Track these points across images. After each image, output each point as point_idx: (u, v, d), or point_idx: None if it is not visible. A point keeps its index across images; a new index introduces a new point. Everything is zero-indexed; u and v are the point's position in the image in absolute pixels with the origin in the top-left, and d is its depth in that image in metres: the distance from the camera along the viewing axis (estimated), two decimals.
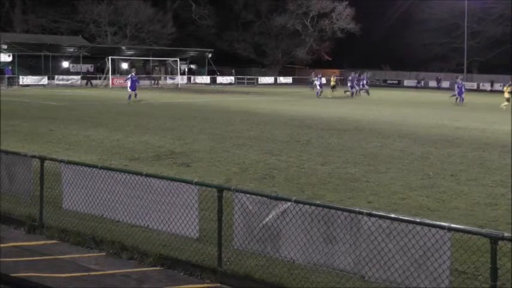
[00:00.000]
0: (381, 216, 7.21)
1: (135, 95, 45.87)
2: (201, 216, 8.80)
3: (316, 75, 70.12)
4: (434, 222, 6.94)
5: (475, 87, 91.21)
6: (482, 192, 14.33)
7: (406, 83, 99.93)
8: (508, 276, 7.25)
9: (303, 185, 14.69)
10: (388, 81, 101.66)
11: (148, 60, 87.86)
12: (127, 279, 8.29)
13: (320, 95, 59.74)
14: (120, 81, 75.02)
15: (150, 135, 24.24)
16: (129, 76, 48.09)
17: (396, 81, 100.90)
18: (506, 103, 42.86)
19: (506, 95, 38.83)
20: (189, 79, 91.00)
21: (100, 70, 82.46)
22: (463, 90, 51.71)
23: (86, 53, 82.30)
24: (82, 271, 8.49)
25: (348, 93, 61.38)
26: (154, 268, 8.68)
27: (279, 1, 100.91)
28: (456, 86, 52.58)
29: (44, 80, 74.39)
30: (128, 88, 46.96)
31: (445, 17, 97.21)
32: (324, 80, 71.00)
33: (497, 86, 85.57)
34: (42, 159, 10.68)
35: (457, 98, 51.59)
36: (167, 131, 26.15)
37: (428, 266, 6.75)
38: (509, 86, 45.59)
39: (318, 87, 61.66)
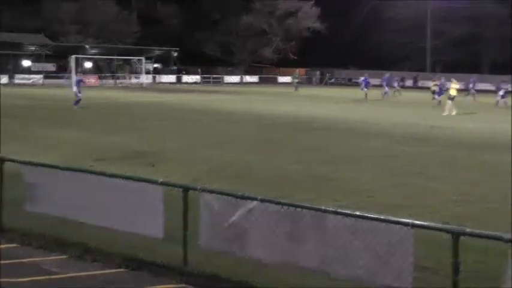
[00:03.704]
0: (346, 214, 7.26)
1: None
2: (167, 216, 8.77)
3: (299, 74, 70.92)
4: (398, 219, 7.01)
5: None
6: (449, 190, 14.48)
7: (371, 82, 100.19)
8: (470, 271, 7.36)
9: (272, 184, 14.70)
10: (353, 80, 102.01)
11: (113, 59, 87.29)
12: (91, 281, 8.21)
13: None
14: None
15: (116, 135, 24.11)
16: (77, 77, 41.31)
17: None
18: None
19: (454, 92, 38.90)
20: (154, 78, 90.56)
21: (63, 69, 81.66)
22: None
23: (49, 51, 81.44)
24: (44, 275, 8.36)
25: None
26: (119, 270, 8.60)
27: (245, 0, 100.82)
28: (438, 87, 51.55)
29: (4, 79, 73.40)
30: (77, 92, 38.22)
31: (411, 17, 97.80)
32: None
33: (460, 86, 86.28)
34: (2, 161, 10.40)
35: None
36: (133, 130, 26.04)
37: (393, 262, 6.82)
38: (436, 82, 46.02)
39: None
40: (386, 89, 58.46)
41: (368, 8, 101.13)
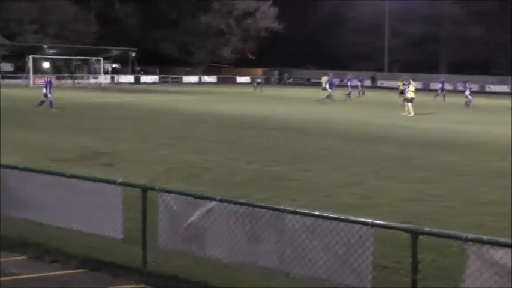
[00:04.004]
0: (305, 214, 7.26)
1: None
2: (126, 216, 8.70)
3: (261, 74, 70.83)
4: (357, 219, 7.02)
5: (396, 86, 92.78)
6: (405, 189, 14.62)
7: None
8: (429, 270, 7.42)
9: (229, 184, 14.70)
10: (312, 80, 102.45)
11: (71, 59, 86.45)
12: (50, 282, 8.13)
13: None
14: (42, 81, 73.61)
15: (75, 136, 23.88)
16: (47, 79, 39.46)
17: (320, 80, 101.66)
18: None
19: (412, 93, 38.95)
20: (112, 78, 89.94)
21: (21, 69, 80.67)
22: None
23: (6, 51, 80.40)
24: (3, 275, 8.25)
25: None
26: (78, 270, 8.53)
27: (203, 0, 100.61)
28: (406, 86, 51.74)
29: None
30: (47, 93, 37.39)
31: (369, 17, 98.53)
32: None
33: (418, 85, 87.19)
34: None
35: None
36: (92, 131, 25.83)
37: (352, 261, 6.84)
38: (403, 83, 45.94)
39: None
40: (350, 89, 58.50)
41: (326, 8, 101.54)
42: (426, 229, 6.64)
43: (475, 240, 6.16)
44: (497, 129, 30.31)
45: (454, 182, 15.60)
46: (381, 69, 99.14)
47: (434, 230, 6.81)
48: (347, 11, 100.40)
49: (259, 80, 73.97)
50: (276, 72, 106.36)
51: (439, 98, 57.87)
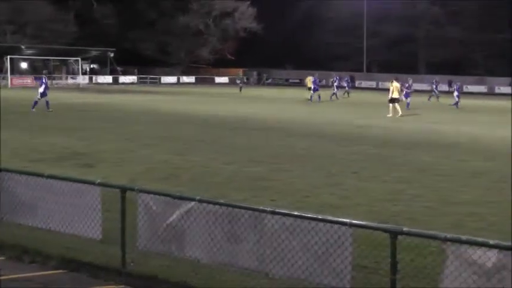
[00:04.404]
0: (284, 214, 7.27)
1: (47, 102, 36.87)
2: (105, 217, 8.67)
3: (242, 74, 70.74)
4: (336, 219, 7.04)
5: (375, 86, 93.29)
6: (383, 189, 14.68)
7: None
8: (407, 269, 7.44)
9: (208, 185, 14.69)
10: (290, 80, 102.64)
11: (49, 59, 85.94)
12: (29, 283, 8.08)
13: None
14: (20, 82, 73.14)
15: (54, 136, 23.76)
16: (42, 80, 38.55)
17: (298, 80, 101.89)
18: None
19: (396, 94, 38.69)
20: (90, 79, 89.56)
21: None
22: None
23: None
24: None
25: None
26: (58, 271, 8.48)
27: (182, 0, 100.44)
28: (456, 89, 50.58)
29: None
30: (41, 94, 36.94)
31: (347, 17, 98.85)
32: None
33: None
34: None
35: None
36: (71, 131, 25.70)
37: (331, 262, 6.86)
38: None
39: None
40: (336, 89, 58.40)
41: (304, 8, 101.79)
42: (405, 229, 6.66)
43: (454, 240, 6.21)
44: (476, 130, 30.55)
45: (432, 182, 15.68)
46: (359, 70, 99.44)
47: (413, 230, 6.84)
48: (325, 12, 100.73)
49: (241, 80, 73.75)
50: (255, 73, 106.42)
51: (433, 99, 57.60)
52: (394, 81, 39.61)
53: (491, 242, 6.07)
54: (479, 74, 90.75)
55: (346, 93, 62.78)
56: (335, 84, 58.70)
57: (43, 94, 36.92)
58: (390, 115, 37.58)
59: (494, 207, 12.80)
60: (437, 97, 57.96)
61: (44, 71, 46.79)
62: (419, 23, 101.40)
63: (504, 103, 58.85)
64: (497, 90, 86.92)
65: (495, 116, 42.09)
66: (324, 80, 77.97)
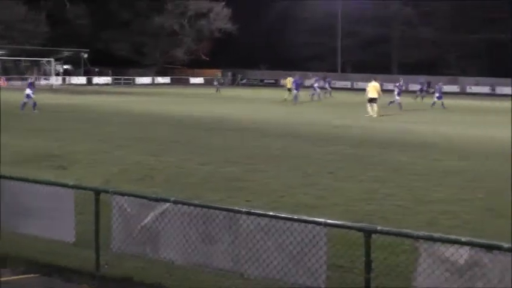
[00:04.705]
0: (259, 215, 7.28)
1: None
2: (79, 220, 8.61)
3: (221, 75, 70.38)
4: (311, 219, 7.06)
5: (349, 86, 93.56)
6: (358, 188, 14.74)
7: (283, 82, 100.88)
8: (381, 268, 7.49)
9: (183, 185, 14.67)
10: (265, 81, 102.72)
11: (21, 60, 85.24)
12: None
13: None
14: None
15: (27, 138, 23.56)
16: (29, 80, 39.01)
17: (273, 81, 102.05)
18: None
19: (375, 94, 38.58)
20: (64, 80, 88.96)
21: None
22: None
23: None
24: None
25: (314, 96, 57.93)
26: (29, 275, 8.38)
27: (156, 1, 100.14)
28: (437, 89, 50.34)
29: None
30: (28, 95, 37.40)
31: (321, 18, 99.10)
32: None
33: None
34: None
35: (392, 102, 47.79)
36: (44, 132, 25.54)
37: (306, 261, 6.88)
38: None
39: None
40: (317, 90, 58.24)
41: (279, 9, 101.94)
42: (379, 228, 6.69)
43: (426, 238, 6.25)
44: (450, 129, 30.80)
45: (407, 181, 15.78)
46: (333, 70, 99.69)
47: (387, 229, 6.87)
48: (300, 12, 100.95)
49: (218, 81, 73.21)
50: (230, 73, 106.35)
51: (419, 99, 57.62)
52: (373, 81, 39.54)
53: (463, 239, 6.13)
54: (452, 74, 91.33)
55: (328, 94, 62.72)
56: (315, 85, 58.59)
57: (28, 96, 37.15)
58: (369, 115, 37.49)
59: (467, 206, 12.92)
60: (422, 97, 58.16)
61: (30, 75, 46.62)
62: (392, 24, 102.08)
63: (477, 103, 59.42)
64: (468, 90, 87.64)
65: (468, 115, 42.43)
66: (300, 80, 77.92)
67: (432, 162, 19.46)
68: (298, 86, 51.88)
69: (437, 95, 49.40)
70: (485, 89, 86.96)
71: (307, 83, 67.55)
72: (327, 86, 64.35)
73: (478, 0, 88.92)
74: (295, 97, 50.39)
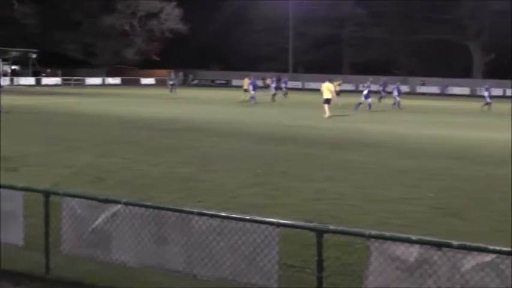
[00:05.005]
0: (211, 215, 7.28)
1: None
2: (28, 222, 8.48)
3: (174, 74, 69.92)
4: (263, 219, 7.09)
5: (300, 87, 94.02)
6: (310, 188, 14.81)
7: (234, 82, 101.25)
8: (333, 267, 7.54)
9: (135, 187, 14.57)
10: (217, 81, 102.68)
11: None
12: None
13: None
14: None
15: None
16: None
17: (225, 81, 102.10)
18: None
19: (329, 95, 38.65)
20: (11, 80, 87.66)
21: None
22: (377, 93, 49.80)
23: None
24: None
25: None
26: None
27: (107, 1, 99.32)
28: (396, 88, 50.72)
29: None
30: None
31: (273, 18, 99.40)
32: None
33: (320, 86, 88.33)
34: None
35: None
36: None
37: (258, 261, 6.89)
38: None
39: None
40: (274, 90, 57.87)
41: (230, 9, 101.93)
42: (330, 227, 6.75)
43: (377, 237, 6.32)
44: (400, 128, 31.18)
45: (357, 180, 15.92)
46: (285, 70, 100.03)
47: (338, 228, 6.94)
48: (251, 12, 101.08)
49: (172, 82, 72.18)
50: (181, 74, 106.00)
51: (383, 100, 57.66)
52: (326, 81, 39.61)
53: (414, 237, 6.22)
54: (402, 74, 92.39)
55: (284, 94, 62.76)
56: (272, 85, 58.58)
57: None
58: (326, 115, 37.43)
59: (417, 204, 13.09)
60: (382, 98, 58.29)
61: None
62: (343, 24, 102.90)
63: (429, 103, 60.19)
64: (418, 90, 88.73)
65: (417, 115, 42.96)
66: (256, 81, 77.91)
67: (383, 161, 19.65)
68: (255, 86, 51.84)
69: (396, 94, 49.83)
70: (435, 89, 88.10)
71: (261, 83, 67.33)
72: (283, 86, 64.36)
73: (428, 1, 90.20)
74: (252, 98, 50.44)
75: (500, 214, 12.23)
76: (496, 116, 42.95)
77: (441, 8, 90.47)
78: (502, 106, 49.65)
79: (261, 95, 55.72)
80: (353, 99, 51.64)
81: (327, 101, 38.30)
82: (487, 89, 50.13)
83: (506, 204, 13.10)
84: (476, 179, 16.44)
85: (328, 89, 38.76)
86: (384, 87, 59.52)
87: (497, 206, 13.03)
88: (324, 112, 37.85)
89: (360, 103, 44.23)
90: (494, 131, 31.25)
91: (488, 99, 49.26)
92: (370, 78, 51.87)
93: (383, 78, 65.39)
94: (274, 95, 57.01)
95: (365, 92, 45.33)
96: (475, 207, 12.94)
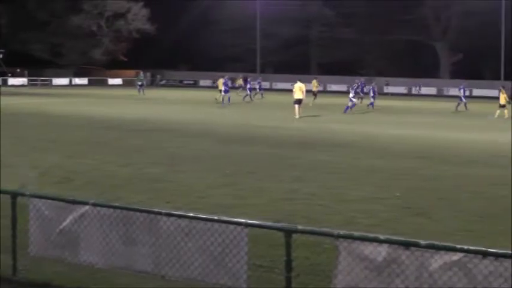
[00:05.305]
0: (180, 216, 7.26)
1: None
2: None
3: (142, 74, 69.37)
4: (232, 219, 7.09)
5: (268, 87, 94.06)
6: (278, 188, 14.83)
7: (202, 83, 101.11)
8: (302, 267, 7.56)
9: (103, 188, 14.49)
10: (184, 82, 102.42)
11: None
12: None
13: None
14: None
15: None
16: None
17: (192, 82, 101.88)
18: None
19: (300, 95, 38.46)
20: None
21: None
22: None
23: None
24: None
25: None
26: None
27: (74, 1, 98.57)
28: (372, 89, 50.51)
29: None
30: None
31: (240, 18, 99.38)
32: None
33: (289, 86, 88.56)
34: None
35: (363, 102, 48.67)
36: None
37: (227, 262, 6.89)
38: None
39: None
40: (249, 91, 57.66)
41: (198, 9, 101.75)
42: (299, 227, 6.76)
43: (346, 237, 6.34)
44: (368, 128, 31.35)
45: (326, 180, 15.97)
46: (253, 71, 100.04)
47: (307, 228, 6.95)
48: (218, 13, 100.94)
49: (140, 82, 71.30)
50: (149, 74, 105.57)
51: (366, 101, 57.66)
52: (298, 82, 39.17)
53: (382, 237, 6.25)
54: (369, 75, 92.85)
55: (259, 95, 62.57)
56: (248, 86, 58.41)
57: None
58: (297, 116, 37.17)
59: (383, 204, 13.17)
60: (362, 99, 58.21)
61: None
62: (311, 25, 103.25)
63: (396, 103, 60.57)
64: (385, 90, 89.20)
65: (386, 115, 43.19)
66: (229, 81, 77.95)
67: (351, 161, 19.75)
68: (228, 87, 51.72)
69: (371, 94, 49.93)
70: (401, 89, 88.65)
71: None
72: (257, 87, 64.22)
73: (395, 2, 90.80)
74: (227, 98, 50.30)
75: (467, 214, 12.36)
76: (465, 117, 43.31)
77: (407, 8, 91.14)
78: (471, 106, 50.01)
79: (233, 95, 55.64)
80: (320, 100, 52.01)
81: (298, 101, 38.07)
82: (462, 89, 50.46)
83: (473, 204, 13.26)
84: (443, 179, 16.58)
85: (300, 89, 38.46)
86: (362, 88, 59.65)
87: (464, 205, 13.16)
88: (295, 113, 37.61)
89: (354, 104, 44.29)
90: (463, 131, 31.54)
91: (463, 99, 49.64)
92: (357, 80, 51.85)
93: (362, 79, 65.49)
94: (249, 95, 57.02)
95: (351, 94, 45.04)
96: (443, 206, 13.05)
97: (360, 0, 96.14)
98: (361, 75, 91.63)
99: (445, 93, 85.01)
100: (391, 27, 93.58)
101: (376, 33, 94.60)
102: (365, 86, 58.74)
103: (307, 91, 41.14)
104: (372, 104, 49.11)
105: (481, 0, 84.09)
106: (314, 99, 50.73)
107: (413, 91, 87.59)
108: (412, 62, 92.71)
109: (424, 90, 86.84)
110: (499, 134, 29.33)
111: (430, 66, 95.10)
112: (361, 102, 52.54)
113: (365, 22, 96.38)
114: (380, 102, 54.51)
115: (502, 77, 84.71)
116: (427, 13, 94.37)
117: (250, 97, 57.17)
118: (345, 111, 43.16)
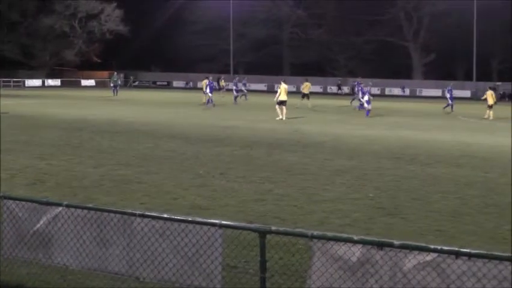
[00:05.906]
0: (153, 217, 7.25)
1: None
2: None
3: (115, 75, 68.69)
4: (206, 220, 7.09)
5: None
6: (250, 189, 14.87)
7: (175, 84, 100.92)
8: (276, 268, 7.58)
9: (76, 189, 14.44)
10: (158, 83, 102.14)
11: None
12: None
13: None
14: None
15: None
16: None
17: (166, 83, 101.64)
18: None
19: (284, 96, 38.04)
20: None
21: None
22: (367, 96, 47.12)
23: None
24: None
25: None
26: None
27: (45, 1, 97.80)
28: (360, 90, 48.40)
29: None
30: None
31: (213, 19, 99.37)
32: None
33: (262, 87, 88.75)
34: None
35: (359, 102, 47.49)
36: None
37: (202, 263, 6.89)
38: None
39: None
40: (235, 93, 57.38)
41: (170, 10, 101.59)
42: (273, 228, 6.78)
43: (320, 237, 6.37)
44: (338, 129, 31.48)
45: (298, 181, 16.02)
46: (226, 71, 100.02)
47: (281, 229, 6.97)
48: (191, 14, 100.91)
49: (114, 84, 70.20)
50: (122, 75, 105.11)
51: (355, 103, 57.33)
52: (282, 83, 38.75)
53: (355, 237, 6.29)
54: (341, 75, 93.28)
55: (244, 96, 62.34)
56: (234, 87, 58.28)
57: None
58: (280, 118, 36.86)
59: (356, 204, 13.26)
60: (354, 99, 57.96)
61: None
62: (283, 26, 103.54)
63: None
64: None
65: (358, 117, 43.34)
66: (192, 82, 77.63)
67: (322, 161, 19.81)
68: (212, 88, 51.56)
69: (360, 96, 49.41)
70: (374, 90, 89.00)
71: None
72: (243, 88, 63.97)
73: (366, 2, 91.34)
74: (209, 100, 50.11)
75: (439, 214, 12.47)
76: (437, 117, 43.59)
77: (380, 9, 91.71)
78: (441, 106, 50.40)
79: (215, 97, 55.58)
80: (294, 101, 51.85)
81: (282, 102, 37.51)
82: (450, 91, 50.31)
83: (444, 205, 13.38)
84: (415, 179, 16.69)
85: (285, 90, 37.98)
86: (361, 89, 59.50)
87: (436, 206, 13.27)
88: (278, 114, 37.26)
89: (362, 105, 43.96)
90: (434, 131, 31.78)
91: (450, 101, 49.65)
92: (370, 82, 51.48)
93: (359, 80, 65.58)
94: (236, 97, 56.98)
95: (366, 97, 43.80)
96: (415, 207, 13.15)
97: (332, 0, 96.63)
98: (334, 75, 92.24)
99: (417, 94, 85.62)
100: (364, 28, 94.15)
101: (348, 34, 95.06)
102: (340, 87, 58.81)
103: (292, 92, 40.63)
104: (361, 105, 48.67)
105: (453, 0, 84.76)
106: (302, 100, 50.06)
107: (387, 92, 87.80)
108: (385, 62, 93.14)
109: (396, 91, 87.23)
110: (470, 135, 29.67)
111: (403, 67, 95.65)
112: (351, 103, 52.78)
113: (337, 23, 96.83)
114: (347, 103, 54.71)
115: (474, 78, 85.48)
116: (399, 14, 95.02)
117: (235, 99, 56.90)
118: (367, 114, 42.12)
